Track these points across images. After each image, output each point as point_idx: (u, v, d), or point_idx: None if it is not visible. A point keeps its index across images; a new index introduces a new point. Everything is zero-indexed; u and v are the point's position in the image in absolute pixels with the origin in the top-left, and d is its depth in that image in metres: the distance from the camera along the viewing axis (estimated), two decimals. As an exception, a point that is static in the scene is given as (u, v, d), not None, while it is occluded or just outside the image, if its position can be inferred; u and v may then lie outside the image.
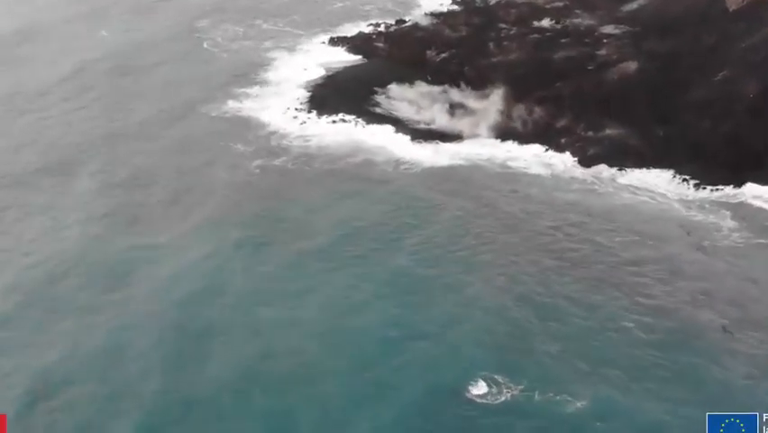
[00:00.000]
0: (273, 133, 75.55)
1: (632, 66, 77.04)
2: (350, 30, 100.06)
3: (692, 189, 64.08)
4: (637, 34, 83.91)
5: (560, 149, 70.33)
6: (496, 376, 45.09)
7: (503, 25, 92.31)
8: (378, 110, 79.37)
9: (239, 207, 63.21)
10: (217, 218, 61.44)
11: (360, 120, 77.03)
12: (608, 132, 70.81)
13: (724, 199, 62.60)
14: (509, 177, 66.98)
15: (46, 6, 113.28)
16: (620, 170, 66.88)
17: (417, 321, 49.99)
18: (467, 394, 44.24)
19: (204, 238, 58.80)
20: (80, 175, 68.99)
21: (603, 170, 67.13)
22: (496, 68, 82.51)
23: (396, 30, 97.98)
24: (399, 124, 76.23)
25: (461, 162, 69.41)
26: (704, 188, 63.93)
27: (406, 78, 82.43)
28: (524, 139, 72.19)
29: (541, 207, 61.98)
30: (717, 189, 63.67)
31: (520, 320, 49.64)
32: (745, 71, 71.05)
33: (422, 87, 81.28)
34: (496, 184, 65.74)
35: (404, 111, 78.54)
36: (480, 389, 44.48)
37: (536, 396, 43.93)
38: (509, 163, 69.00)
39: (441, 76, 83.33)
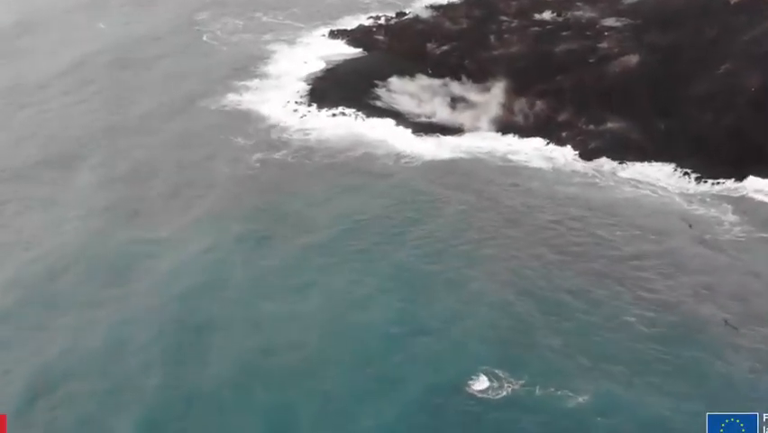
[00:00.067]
0: (273, 126, 75.46)
1: (633, 59, 76.67)
2: (350, 22, 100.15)
3: (694, 183, 63.92)
4: (639, 27, 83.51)
5: (561, 142, 70.20)
6: (498, 371, 44.95)
7: (504, 18, 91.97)
8: (378, 103, 79.21)
9: (240, 200, 63.13)
10: (218, 212, 61.34)
11: (360, 113, 76.86)
12: (609, 125, 70.66)
13: (725, 193, 62.45)
14: (510, 170, 66.87)
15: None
16: (621, 163, 66.73)
17: (420, 316, 49.88)
18: (469, 389, 44.08)
19: (204, 232, 58.71)
20: (80, 169, 68.93)
21: (604, 163, 67.01)
22: (497, 61, 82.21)
23: (396, 22, 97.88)
24: (400, 118, 76.11)
25: (463, 156, 69.26)
26: (705, 182, 63.77)
27: (407, 71, 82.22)
28: (525, 132, 72.07)
29: (542, 201, 61.86)
30: (719, 183, 63.50)
31: (522, 315, 49.48)
32: (747, 64, 70.81)
33: (423, 80, 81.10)
34: (497, 178, 65.59)
35: (404, 104, 78.39)
36: (481, 384, 44.35)
37: (538, 391, 43.77)
38: (510, 157, 68.86)
39: (441, 69, 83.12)
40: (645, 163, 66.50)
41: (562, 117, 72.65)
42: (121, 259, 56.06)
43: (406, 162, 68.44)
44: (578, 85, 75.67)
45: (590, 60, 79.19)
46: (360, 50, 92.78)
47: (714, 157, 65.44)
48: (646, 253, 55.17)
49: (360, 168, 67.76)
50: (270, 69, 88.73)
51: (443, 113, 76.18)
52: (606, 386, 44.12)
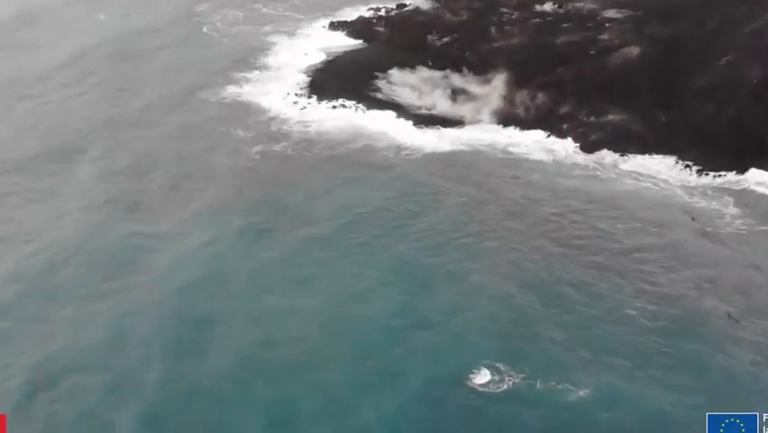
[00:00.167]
0: (273, 118, 75.40)
1: (634, 51, 76.44)
2: (350, 14, 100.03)
3: (695, 176, 63.88)
4: (639, 18, 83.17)
5: (562, 135, 70.15)
6: (499, 364, 44.81)
7: (504, 9, 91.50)
8: (378, 95, 79.13)
9: (240, 193, 63.05)
10: (218, 205, 61.23)
11: (360, 105, 76.73)
12: (610, 117, 70.61)
13: (727, 186, 62.43)
14: (511, 163, 66.83)
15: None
16: (622, 155, 66.69)
17: (420, 309, 49.77)
18: (470, 382, 43.95)
19: (205, 225, 58.56)
20: (81, 161, 68.80)
21: (605, 155, 66.95)
22: (497, 52, 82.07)
23: (396, 14, 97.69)
24: (401, 110, 76.05)
25: (463, 148, 69.17)
26: (707, 175, 63.72)
27: (407, 63, 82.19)
28: (525, 125, 72.01)
29: (543, 194, 61.76)
30: (720, 176, 63.47)
31: (523, 308, 49.38)
32: (749, 56, 70.67)
33: (423, 72, 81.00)
34: (498, 170, 65.50)
35: (405, 96, 78.32)
36: (482, 377, 44.23)
37: (539, 384, 43.63)
38: (511, 149, 68.82)
39: (442, 60, 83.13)
40: (647, 156, 66.48)
41: (564, 109, 72.57)
42: (121, 252, 55.92)
43: (406, 155, 68.33)
44: (579, 77, 75.55)
45: (591, 52, 78.97)
46: (360, 41, 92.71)
47: (715, 149, 65.46)
48: (648, 246, 55.04)
49: (360, 160, 67.65)
50: (270, 60, 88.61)
51: (443, 105, 76.08)
52: (607, 379, 44.00)
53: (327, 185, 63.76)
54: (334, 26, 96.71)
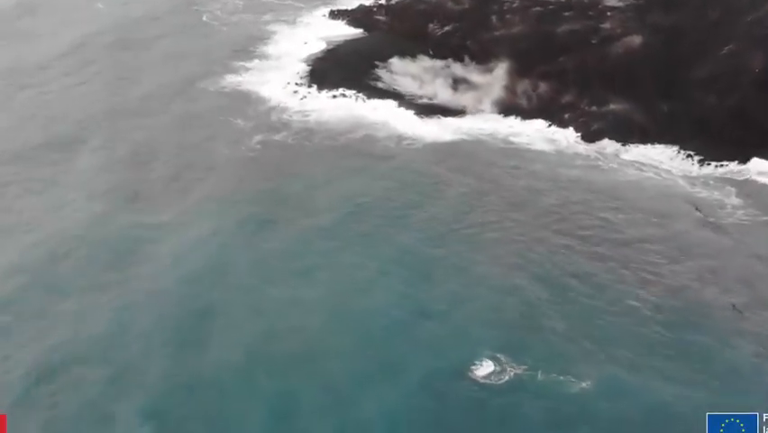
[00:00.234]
0: (273, 108, 75.24)
1: (636, 40, 75.96)
2: (350, 2, 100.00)
3: (697, 166, 63.84)
4: (641, 7, 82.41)
5: (563, 124, 70.08)
6: (500, 356, 44.71)
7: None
8: (379, 85, 79.00)
9: (241, 183, 62.83)
10: (219, 195, 61.02)
11: (361, 95, 76.53)
12: (611, 107, 70.41)
13: (729, 176, 62.40)
14: (513, 153, 66.71)
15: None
16: (624, 145, 66.62)
17: (423, 300, 49.59)
18: (472, 374, 43.83)
19: (206, 215, 58.36)
20: (81, 151, 68.57)
21: (607, 145, 66.87)
22: (499, 41, 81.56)
23: (397, 2, 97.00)
24: (401, 99, 75.90)
25: (464, 138, 69.05)
26: (708, 165, 63.67)
27: (408, 52, 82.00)
28: (527, 114, 71.92)
29: (545, 184, 61.61)
30: (722, 166, 63.42)
31: (526, 299, 49.28)
32: (751, 45, 70.20)
33: (424, 61, 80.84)
34: (500, 160, 65.37)
35: (406, 86, 78.19)
36: (484, 369, 44.12)
37: (541, 376, 43.50)
38: (512, 139, 68.73)
39: (443, 50, 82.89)
40: (648, 145, 66.44)
41: (565, 99, 72.45)
42: (122, 243, 55.69)
43: (407, 144, 68.19)
44: (580, 66, 75.23)
45: (593, 41, 78.43)
46: (360, 30, 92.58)
47: (717, 139, 65.43)
48: (650, 237, 54.93)
49: (361, 150, 67.50)
50: (270, 49, 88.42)
51: (444, 94, 75.94)
52: (609, 371, 43.92)
53: (328, 175, 63.57)
54: (335, 15, 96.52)
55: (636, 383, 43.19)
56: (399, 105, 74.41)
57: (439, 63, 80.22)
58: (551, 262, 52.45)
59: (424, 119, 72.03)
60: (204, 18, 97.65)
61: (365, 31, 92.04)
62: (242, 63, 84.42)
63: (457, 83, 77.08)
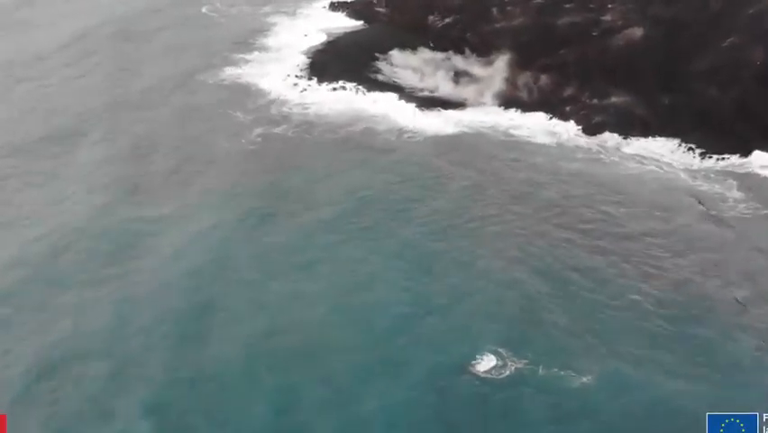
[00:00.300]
0: (273, 100, 75.30)
1: (637, 32, 75.82)
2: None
3: (698, 159, 63.81)
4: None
5: (564, 117, 70.04)
6: (502, 350, 44.54)
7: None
8: (379, 77, 78.97)
9: (241, 176, 62.71)
10: (220, 188, 60.93)
11: (361, 87, 76.50)
12: (613, 99, 70.42)
13: (730, 169, 62.41)
14: (514, 146, 66.67)
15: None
16: (625, 138, 66.58)
17: (425, 294, 49.42)
18: (473, 368, 43.64)
19: (207, 209, 58.27)
20: (81, 144, 68.56)
21: (608, 138, 66.87)
22: (499, 34, 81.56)
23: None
24: (402, 92, 75.75)
25: (465, 130, 69.03)
26: (710, 158, 63.60)
27: (409, 44, 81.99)
28: (528, 107, 71.92)
29: (546, 178, 61.53)
30: (724, 159, 63.36)
31: (528, 293, 49.11)
32: (752, 38, 70.09)
33: (425, 53, 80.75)
34: (501, 153, 65.34)
35: (406, 78, 78.17)
36: (485, 363, 43.95)
37: (542, 370, 43.33)
38: (513, 132, 68.76)
39: (443, 42, 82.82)
40: (650, 138, 66.45)
41: (566, 92, 72.33)
42: (123, 237, 55.54)
43: (408, 137, 68.13)
44: (581, 58, 75.25)
45: (594, 33, 78.32)
46: (361, 22, 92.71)
47: (719, 132, 65.46)
48: (652, 230, 54.84)
49: (362, 143, 67.44)
50: (270, 41, 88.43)
51: (446, 87, 75.86)
52: (611, 365, 43.77)
53: (329, 168, 63.51)
54: (335, 7, 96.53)
55: (638, 378, 43.05)
56: (400, 98, 74.32)
57: (440, 55, 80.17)
58: (552, 256, 52.31)
59: (424, 112, 71.99)
60: (204, 10, 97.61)
61: (365, 23, 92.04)
62: (241, 55, 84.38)
63: (458, 76, 77.02)
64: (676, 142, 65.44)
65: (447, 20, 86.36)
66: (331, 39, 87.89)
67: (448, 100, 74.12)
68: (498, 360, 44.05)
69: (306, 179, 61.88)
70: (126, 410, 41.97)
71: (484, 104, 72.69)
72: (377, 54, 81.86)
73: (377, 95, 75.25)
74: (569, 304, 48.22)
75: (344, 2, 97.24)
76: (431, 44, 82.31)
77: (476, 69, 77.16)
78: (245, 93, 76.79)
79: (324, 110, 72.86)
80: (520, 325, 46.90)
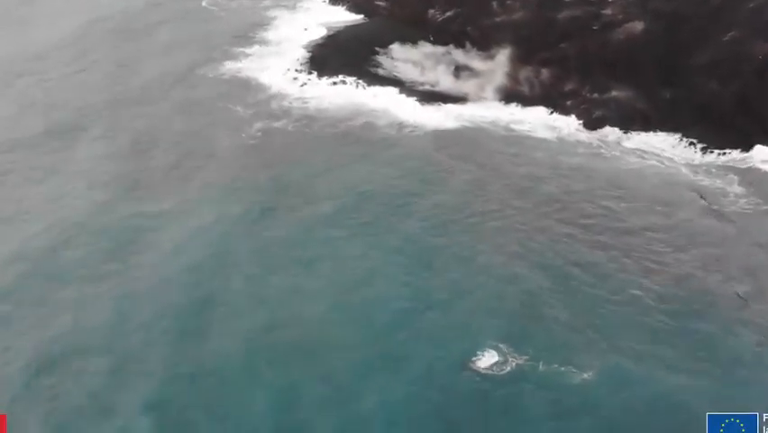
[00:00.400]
0: (273, 95, 75.10)
1: (638, 26, 75.53)
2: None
3: (699, 153, 63.64)
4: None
5: (565, 111, 69.87)
6: (503, 346, 44.40)
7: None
8: (380, 71, 78.73)
9: (242, 171, 62.55)
10: (220, 183, 60.78)
11: (361, 81, 76.29)
12: (613, 94, 70.15)
13: (731, 164, 62.22)
14: (515, 140, 66.54)
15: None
16: (626, 133, 66.43)
17: (425, 290, 49.25)
18: (474, 365, 43.50)
19: (207, 204, 58.12)
20: (81, 139, 68.34)
21: (609, 133, 66.73)
22: (500, 28, 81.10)
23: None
24: (402, 86, 75.57)
25: (466, 125, 68.89)
26: (711, 152, 63.44)
27: (409, 38, 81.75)
28: (528, 101, 71.71)
29: (547, 172, 61.39)
30: (725, 153, 63.18)
31: (528, 288, 48.98)
32: (753, 32, 69.71)
33: (425, 47, 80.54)
34: (502, 148, 65.21)
35: (407, 72, 77.93)
36: (486, 359, 43.83)
37: (543, 366, 43.17)
38: (514, 126, 68.58)
39: (444, 36, 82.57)
40: (650, 133, 66.23)
41: (567, 86, 72.17)
42: (123, 231, 55.39)
43: (408, 132, 67.95)
44: (582, 53, 74.93)
45: (594, 27, 78.02)
46: (361, 16, 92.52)
47: (720, 126, 65.14)
48: (653, 225, 54.69)
49: (362, 137, 67.28)
50: (270, 35, 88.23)
51: (446, 81, 75.68)
52: (612, 360, 43.64)
53: (329, 163, 63.36)
54: (335, 0, 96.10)
55: (639, 373, 42.95)
56: (400, 92, 74.15)
57: (440, 49, 79.93)
58: (553, 251, 52.20)
59: (425, 106, 71.82)
60: (204, 3, 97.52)
61: (365, 16, 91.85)
62: (241, 49, 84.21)
63: (459, 70, 76.79)
64: (677, 136, 65.29)
65: (447, 14, 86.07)
66: (331, 33, 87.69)
67: (449, 94, 73.90)
68: (498, 356, 43.92)
69: (307, 174, 61.73)
70: (126, 406, 41.85)
71: (485, 98, 72.55)
72: (377, 48, 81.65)
73: (377, 89, 75.07)
74: (570, 299, 48.06)
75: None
76: (431, 38, 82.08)
77: (476, 63, 76.96)
78: (245, 87, 76.62)
79: (324, 104, 72.68)
80: (521, 320, 46.78)
